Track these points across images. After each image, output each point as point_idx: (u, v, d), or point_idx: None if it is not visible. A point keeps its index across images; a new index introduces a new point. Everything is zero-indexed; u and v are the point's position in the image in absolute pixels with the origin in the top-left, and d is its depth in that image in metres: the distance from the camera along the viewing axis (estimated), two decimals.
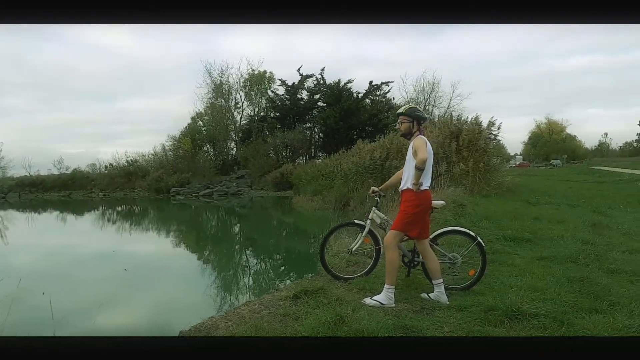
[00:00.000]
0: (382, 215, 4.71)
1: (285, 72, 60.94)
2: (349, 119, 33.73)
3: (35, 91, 59.56)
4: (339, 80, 36.28)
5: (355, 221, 4.83)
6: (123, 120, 63.97)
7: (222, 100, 41.10)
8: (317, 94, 38.25)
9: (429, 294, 4.33)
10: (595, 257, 6.07)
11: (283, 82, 38.92)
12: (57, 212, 30.07)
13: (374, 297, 4.10)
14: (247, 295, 4.39)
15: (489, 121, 14.12)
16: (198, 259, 12.16)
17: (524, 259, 6.04)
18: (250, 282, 8.60)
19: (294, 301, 3.91)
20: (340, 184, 21.07)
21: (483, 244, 4.64)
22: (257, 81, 40.93)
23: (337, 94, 35.29)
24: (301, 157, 37.79)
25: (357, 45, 63.93)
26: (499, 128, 14.30)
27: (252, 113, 41.85)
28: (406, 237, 4.40)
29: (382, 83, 36.50)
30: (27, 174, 45.66)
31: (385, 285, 4.12)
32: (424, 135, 4.34)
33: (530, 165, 63.22)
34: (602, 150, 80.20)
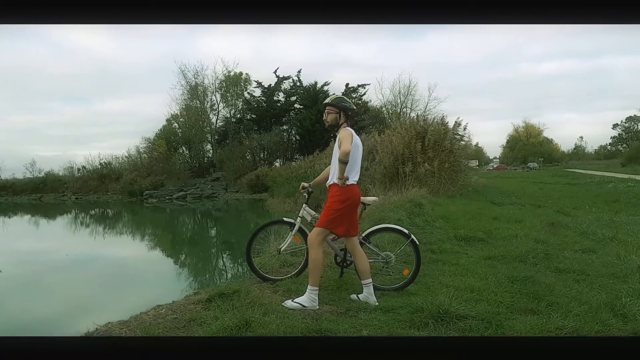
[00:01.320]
0: (312, 212, 4.46)
1: (261, 74, 60.62)
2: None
3: (2, 91, 57.88)
4: (316, 82, 36.19)
5: (285, 219, 4.57)
6: (99, 123, 62.70)
7: (198, 102, 40.53)
8: (293, 95, 38.00)
9: (358, 295, 4.09)
10: (544, 256, 5.93)
11: (259, 84, 38.64)
12: (26, 216, 29.50)
13: (296, 300, 3.83)
14: (172, 298, 4.06)
15: (455, 121, 14.00)
16: (135, 259, 12.23)
17: (471, 258, 5.85)
18: (177, 284, 8.27)
19: (206, 305, 3.64)
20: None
21: (417, 242, 4.42)
22: (233, 83, 40.44)
23: (314, 95, 35.15)
24: (278, 160, 37.50)
25: (334, 47, 63.98)
26: (465, 129, 14.20)
27: (228, 115, 41.36)
28: (334, 235, 4.15)
29: (359, 85, 36.54)
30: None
31: (308, 287, 3.86)
32: (351, 127, 4.10)
33: (508, 168, 63.83)
34: (578, 154, 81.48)
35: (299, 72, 37.40)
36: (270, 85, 38.12)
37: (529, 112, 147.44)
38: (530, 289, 4.48)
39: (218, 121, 41.47)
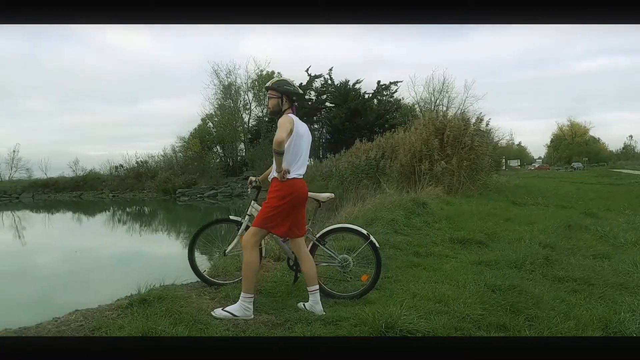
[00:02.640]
0: None
1: (294, 73, 60.67)
2: (355, 119, 33.07)
3: (52, 94, 60.39)
4: (347, 80, 35.61)
5: (231, 217, 4.19)
6: (142, 123, 64.22)
7: (231, 102, 40.81)
8: (324, 94, 37.63)
9: (305, 304, 3.66)
10: (544, 263, 5.33)
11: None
12: (67, 212, 30.49)
13: (227, 308, 3.45)
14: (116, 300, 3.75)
15: (477, 117, 13.23)
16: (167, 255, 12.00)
17: (460, 263, 5.32)
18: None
19: (122, 312, 3.29)
20: (335, 185, 20.53)
21: (377, 245, 3.94)
22: (265, 82, 40.42)
23: (344, 94, 34.64)
24: (310, 158, 37.21)
25: (368, 46, 63.00)
26: (487, 124, 13.39)
27: (260, 114, 41.44)
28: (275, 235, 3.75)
29: (391, 83, 35.68)
30: (44, 176, 46.04)
31: (241, 294, 3.46)
32: (295, 113, 3.68)
33: (550, 168, 61.21)
34: (627, 153, 77.23)
35: (331, 70, 37.01)
36: (301, 83, 37.83)
37: (574, 111, 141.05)
38: (512, 299, 3.94)
39: (250, 120, 41.62)
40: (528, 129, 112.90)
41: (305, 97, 38.17)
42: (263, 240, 4.16)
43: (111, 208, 32.39)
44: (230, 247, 4.15)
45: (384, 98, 35.88)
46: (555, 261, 5.43)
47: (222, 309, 3.44)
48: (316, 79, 37.80)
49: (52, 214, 31.07)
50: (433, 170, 12.32)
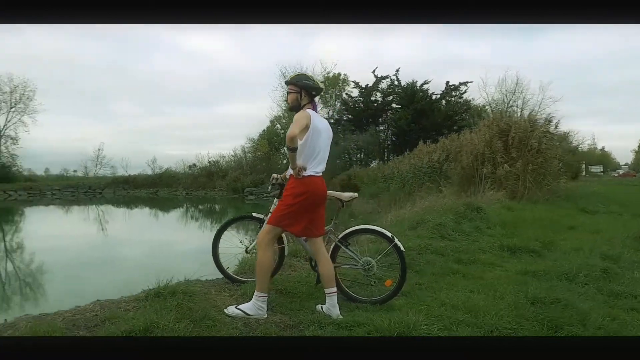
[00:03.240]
0: None
1: (361, 75, 60.18)
2: (421, 120, 32.30)
3: (136, 97, 64.25)
4: (414, 81, 34.88)
5: (254, 214, 4.13)
6: (217, 124, 66.71)
7: None
8: (390, 95, 37.09)
9: (322, 306, 3.54)
10: (602, 276, 4.87)
11: (357, 84, 38.23)
12: (145, 208, 32.27)
13: (240, 306, 3.40)
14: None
15: (546, 118, 12.40)
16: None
17: (505, 272, 4.97)
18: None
19: (138, 304, 3.33)
20: (397, 187, 20.18)
21: (402, 248, 3.74)
22: (332, 84, 40.60)
23: (411, 94, 33.94)
24: (375, 160, 36.87)
25: (438, 46, 61.11)
26: (556, 126, 12.51)
27: (326, 116, 41.64)
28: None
29: (460, 83, 34.45)
30: (125, 173, 48.95)
31: (255, 292, 3.40)
32: (316, 109, 3.58)
33: (637, 175, 56.46)
34: None
35: (397, 71, 36.38)
36: (367, 85, 37.58)
37: None
38: (553, 314, 3.61)
39: None
40: (615, 133, 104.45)
41: (371, 98, 37.87)
42: (285, 240, 4.09)
43: (184, 205, 33.85)
44: (253, 244, 4.11)
45: (453, 99, 34.75)
46: (615, 275, 4.92)
47: (236, 307, 3.39)
48: (382, 80, 37.32)
49: (131, 209, 33.00)
50: (496, 174, 11.70)
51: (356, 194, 4.01)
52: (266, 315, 3.39)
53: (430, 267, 4.98)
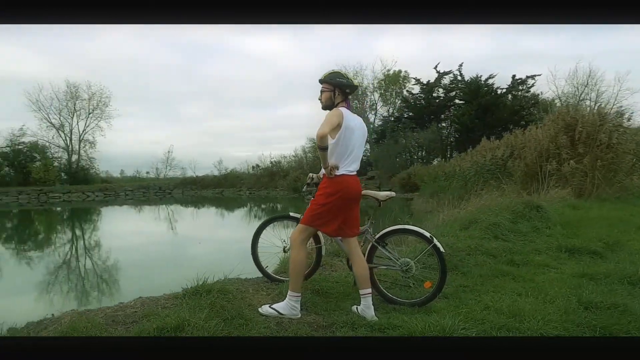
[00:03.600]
0: None
1: (422, 71, 58.87)
2: (485, 116, 31.16)
3: (205, 100, 66.53)
4: (478, 75, 33.69)
5: (291, 214, 4.14)
6: (280, 125, 67.68)
7: (357, 103, 41.20)
8: (453, 91, 36.09)
9: (357, 307, 3.49)
10: None
11: (418, 81, 37.53)
12: (211, 207, 33.43)
13: (274, 305, 3.43)
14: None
15: (617, 111, 11.54)
16: None
17: (560, 275, 4.69)
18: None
19: (174, 302, 3.44)
20: (458, 185, 19.57)
21: (441, 249, 3.61)
22: (392, 81, 40.11)
23: (475, 90, 32.81)
24: (436, 158, 36.06)
25: (503, 40, 58.56)
26: (629, 119, 11.61)
27: (386, 114, 41.24)
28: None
29: (527, 77, 32.88)
30: (193, 174, 50.91)
31: (288, 292, 3.41)
32: (348, 107, 3.53)
33: None
34: None
35: (461, 66, 35.28)
36: (429, 81, 36.80)
37: None
38: (608, 320, 3.35)
39: (376, 120, 41.59)
40: None
41: (433, 94, 37.04)
42: (323, 239, 4.07)
43: (248, 204, 34.76)
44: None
45: (520, 93, 33.24)
46: None
47: (270, 306, 3.42)
48: (445, 76, 36.39)
49: (199, 208, 34.26)
50: (561, 171, 11.05)
51: (393, 193, 3.92)
52: (300, 315, 3.39)
53: (478, 268, 4.78)
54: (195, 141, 63.62)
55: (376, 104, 41.46)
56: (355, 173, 3.52)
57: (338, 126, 3.36)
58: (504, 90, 33.34)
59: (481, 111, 31.47)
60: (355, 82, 3.57)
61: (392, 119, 40.52)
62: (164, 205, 35.18)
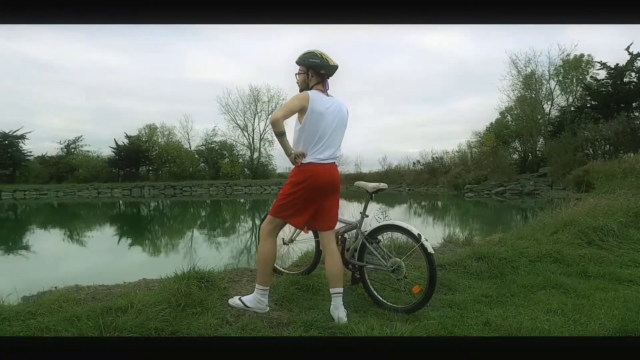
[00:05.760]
0: None
1: (611, 54, 50.71)
2: None
3: (379, 97, 67.53)
4: None
5: None
6: (447, 120, 65.46)
7: (531, 92, 37.55)
8: None
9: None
10: None
11: (604, 65, 32.59)
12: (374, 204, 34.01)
13: (243, 297, 3.36)
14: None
15: None
16: None
17: (638, 294, 3.64)
18: None
19: (163, 284, 3.57)
20: (634, 184, 16.53)
21: (429, 250, 3.12)
22: (572, 67, 35.54)
23: None
24: (630, 153, 30.90)
25: None
26: None
27: (564, 103, 36.72)
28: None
29: None
30: (359, 171, 52.22)
31: (256, 285, 3.30)
32: (326, 89, 3.26)
33: None
34: None
35: None
36: (617, 65, 31.69)
37: None
38: None
39: (553, 111, 37.38)
40: None
41: (623, 79, 31.80)
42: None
43: (408, 201, 34.36)
44: (290, 236, 3.98)
45: None
46: None
47: (239, 298, 3.35)
48: (638, 58, 30.99)
49: (360, 203, 35.07)
50: None
51: (384, 185, 3.51)
52: (267, 310, 3.27)
53: (526, 277, 4.01)
54: (364, 138, 65.20)
55: (552, 92, 37.23)
56: (329, 161, 3.23)
57: (302, 110, 3.12)
58: None
59: None
60: (332, 62, 3.25)
61: (572, 109, 35.95)
62: None
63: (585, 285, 3.81)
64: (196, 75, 62.81)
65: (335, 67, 3.26)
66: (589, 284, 3.85)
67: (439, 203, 31.97)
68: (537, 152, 38.34)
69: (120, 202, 33.38)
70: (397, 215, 24.94)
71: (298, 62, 3.33)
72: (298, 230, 3.88)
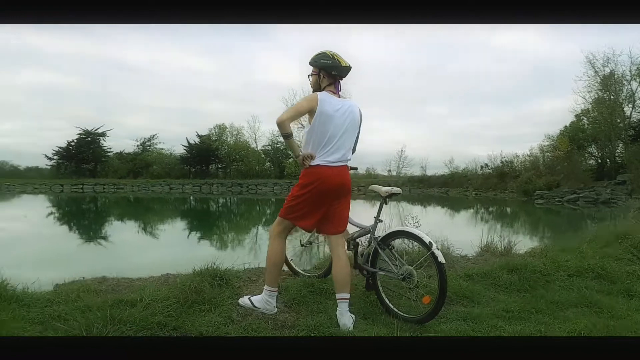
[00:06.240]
0: None
1: None
2: None
3: (455, 99, 65.78)
4: None
5: None
6: (519, 123, 62.51)
7: (610, 93, 35.08)
8: None
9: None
10: None
11: None
12: (432, 206, 33.32)
13: (252, 297, 3.37)
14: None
15: None
16: None
17: None
18: None
19: (185, 279, 3.66)
20: None
21: (440, 259, 2.98)
22: None
23: None
24: None
25: None
26: None
27: None
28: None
29: None
30: (424, 172, 51.11)
31: (265, 286, 3.30)
32: (338, 91, 3.21)
33: None
34: None
35: None
36: None
37: None
38: None
39: (634, 114, 34.71)
40: None
41: None
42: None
43: (475, 206, 33.22)
44: (307, 238, 3.95)
45: None
46: None
47: (249, 297, 3.36)
48: None
49: (424, 206, 34.38)
50: None
51: (398, 189, 3.39)
52: (275, 311, 3.27)
53: (558, 292, 3.73)
54: (433, 141, 63.70)
55: (634, 94, 34.62)
56: (339, 164, 3.17)
57: (311, 112, 3.09)
58: None
59: None
60: (344, 62, 3.18)
61: None
62: (394, 202, 36.18)
63: (624, 306, 3.47)
64: (263, 76, 64.26)
65: (348, 69, 3.19)
66: (629, 304, 3.51)
67: (508, 209, 30.62)
68: (616, 158, 35.74)
69: (191, 197, 34.92)
70: (460, 220, 24.18)
71: (310, 63, 3.30)
72: (313, 234, 3.86)
